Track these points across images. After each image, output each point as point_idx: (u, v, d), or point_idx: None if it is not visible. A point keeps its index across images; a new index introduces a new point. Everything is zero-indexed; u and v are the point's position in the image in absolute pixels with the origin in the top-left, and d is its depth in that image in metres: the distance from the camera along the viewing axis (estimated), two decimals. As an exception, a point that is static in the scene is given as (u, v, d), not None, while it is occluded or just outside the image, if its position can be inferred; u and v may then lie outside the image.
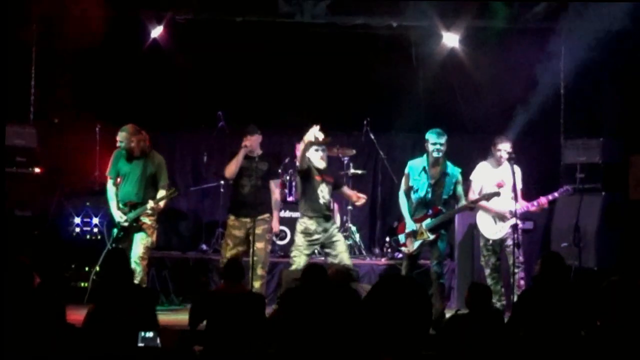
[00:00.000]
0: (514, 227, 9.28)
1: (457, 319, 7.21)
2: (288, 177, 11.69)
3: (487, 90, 12.13)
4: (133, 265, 9.05)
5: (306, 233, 9.44)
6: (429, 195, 9.36)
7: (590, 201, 10.39)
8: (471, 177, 9.75)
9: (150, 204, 9.26)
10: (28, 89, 11.37)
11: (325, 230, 9.45)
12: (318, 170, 9.53)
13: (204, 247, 11.86)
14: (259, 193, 9.60)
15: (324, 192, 9.50)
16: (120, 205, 9.45)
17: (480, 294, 7.04)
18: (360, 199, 9.83)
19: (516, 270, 9.36)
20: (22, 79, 11.24)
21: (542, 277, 7.13)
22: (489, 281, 9.61)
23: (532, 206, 9.57)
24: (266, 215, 9.69)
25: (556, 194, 9.59)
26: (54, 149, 11.21)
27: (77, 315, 7.43)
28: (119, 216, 9.39)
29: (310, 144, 9.40)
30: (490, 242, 9.68)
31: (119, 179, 9.53)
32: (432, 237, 9.29)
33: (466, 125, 12.39)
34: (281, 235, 11.31)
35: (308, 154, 9.47)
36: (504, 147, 9.60)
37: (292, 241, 10.84)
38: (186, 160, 13.06)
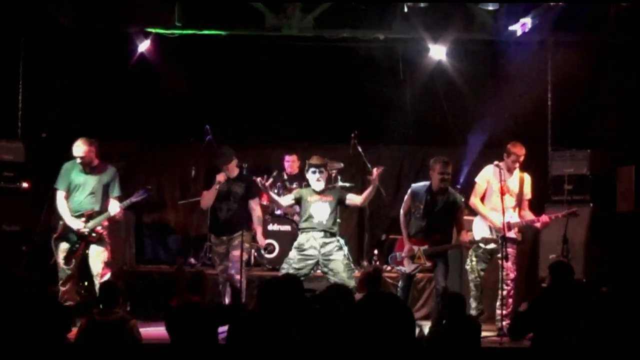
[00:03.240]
0: (504, 238, 9.25)
1: (437, 332, 7.26)
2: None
3: (474, 103, 12.15)
4: (95, 281, 9.27)
5: (299, 247, 9.40)
6: (430, 223, 9.24)
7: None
8: (476, 179, 9.73)
9: (115, 208, 9.33)
10: (16, 104, 11.33)
11: (323, 246, 9.32)
12: (315, 191, 9.54)
13: (192, 260, 11.83)
14: (235, 215, 9.65)
15: (319, 211, 9.43)
16: (74, 216, 9.40)
17: (455, 302, 7.06)
18: (378, 170, 9.42)
19: (505, 287, 9.35)
20: (9, 94, 11.19)
21: (554, 287, 7.17)
22: (471, 285, 9.67)
23: (537, 222, 9.58)
24: (240, 232, 9.47)
25: (559, 215, 9.56)
26: (41, 163, 11.16)
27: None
28: (78, 224, 9.33)
29: (307, 166, 9.52)
30: (482, 249, 9.64)
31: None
32: (428, 264, 9.22)
33: (453, 137, 12.40)
34: (269, 248, 11.25)
35: (307, 176, 9.59)
36: (520, 153, 9.58)
37: (280, 254, 10.87)
38: (174, 174, 13.03)
